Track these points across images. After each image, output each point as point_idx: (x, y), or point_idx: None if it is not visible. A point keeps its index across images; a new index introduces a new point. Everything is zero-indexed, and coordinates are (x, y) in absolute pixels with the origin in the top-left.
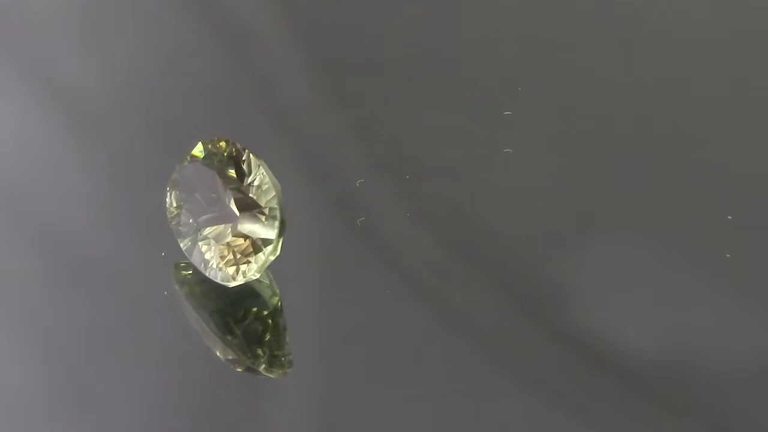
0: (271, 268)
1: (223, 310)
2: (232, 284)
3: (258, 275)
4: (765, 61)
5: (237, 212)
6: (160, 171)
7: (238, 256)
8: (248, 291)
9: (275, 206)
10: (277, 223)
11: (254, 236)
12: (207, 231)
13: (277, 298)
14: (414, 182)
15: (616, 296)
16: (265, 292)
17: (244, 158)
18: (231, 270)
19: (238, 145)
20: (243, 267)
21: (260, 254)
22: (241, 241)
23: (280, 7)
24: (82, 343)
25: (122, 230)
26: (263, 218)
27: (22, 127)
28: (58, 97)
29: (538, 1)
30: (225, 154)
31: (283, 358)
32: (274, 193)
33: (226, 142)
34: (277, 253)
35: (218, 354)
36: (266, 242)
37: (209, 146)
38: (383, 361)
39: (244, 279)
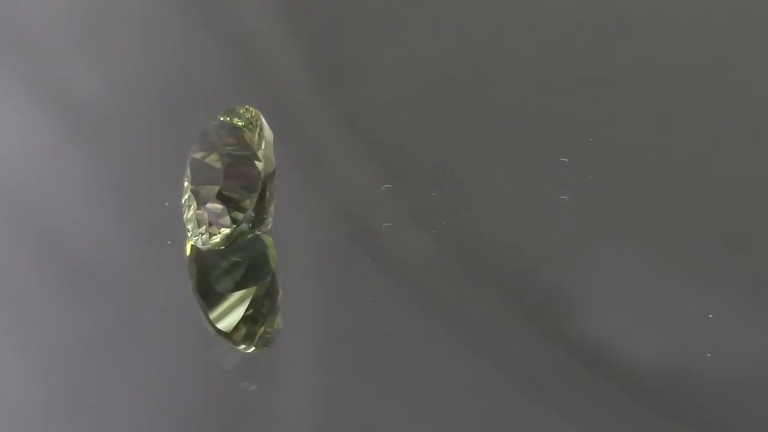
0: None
1: (222, 270)
2: (203, 248)
3: (222, 246)
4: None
5: (223, 178)
6: (163, 174)
7: (211, 221)
8: (252, 259)
9: (258, 180)
10: (254, 199)
11: (228, 205)
12: (198, 189)
13: (273, 266)
14: (416, 188)
15: (616, 302)
16: (267, 264)
17: (264, 130)
18: (205, 236)
19: (263, 119)
20: (214, 235)
21: (230, 226)
22: (216, 206)
23: (291, 9)
24: (85, 348)
25: (125, 234)
26: (243, 191)
27: (24, 131)
28: (60, 101)
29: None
30: (253, 120)
31: (262, 334)
32: (264, 172)
33: (259, 112)
34: (244, 227)
35: (201, 314)
36: (238, 216)
37: (245, 108)
38: (382, 364)
39: (211, 245)
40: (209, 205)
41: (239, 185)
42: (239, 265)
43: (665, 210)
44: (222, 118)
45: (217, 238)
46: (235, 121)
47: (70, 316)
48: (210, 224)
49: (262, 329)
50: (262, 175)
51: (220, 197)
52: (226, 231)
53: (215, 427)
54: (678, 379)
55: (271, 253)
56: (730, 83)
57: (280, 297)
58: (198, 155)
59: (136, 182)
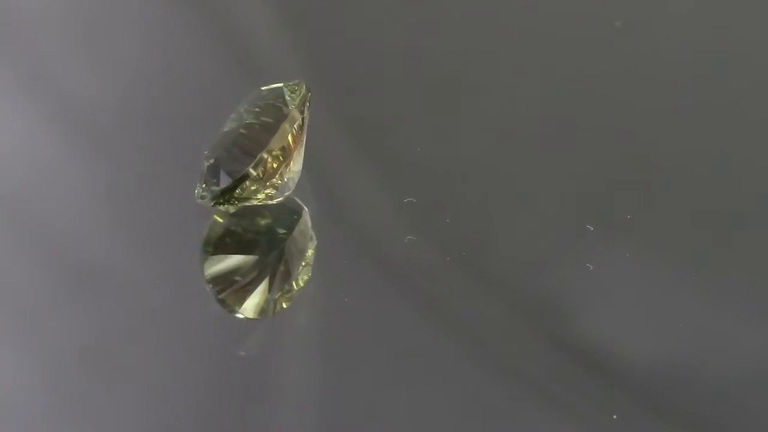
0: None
1: (245, 228)
2: (199, 202)
3: (209, 204)
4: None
5: (235, 137)
6: (163, 177)
7: (206, 177)
8: (276, 229)
9: (259, 150)
10: (248, 166)
11: (225, 167)
12: (217, 142)
13: (285, 243)
14: (417, 193)
15: (615, 304)
16: (280, 240)
17: (296, 108)
18: (201, 191)
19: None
20: (205, 191)
21: (218, 186)
22: (214, 162)
23: (291, 10)
24: (84, 351)
25: (124, 235)
26: (243, 156)
27: (23, 133)
28: (59, 103)
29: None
30: (301, 99)
31: (260, 304)
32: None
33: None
34: (228, 188)
35: (202, 269)
36: (227, 180)
37: (305, 87)
38: (379, 365)
39: (202, 201)
40: (211, 160)
41: (242, 150)
42: (261, 229)
43: (664, 212)
44: (278, 85)
45: (207, 195)
46: (286, 92)
47: (69, 317)
48: (206, 179)
49: (259, 299)
50: (266, 147)
51: (221, 157)
52: (216, 189)
53: (215, 429)
54: (677, 381)
55: (295, 230)
56: (729, 88)
57: (294, 280)
58: (240, 109)
59: (135, 183)
